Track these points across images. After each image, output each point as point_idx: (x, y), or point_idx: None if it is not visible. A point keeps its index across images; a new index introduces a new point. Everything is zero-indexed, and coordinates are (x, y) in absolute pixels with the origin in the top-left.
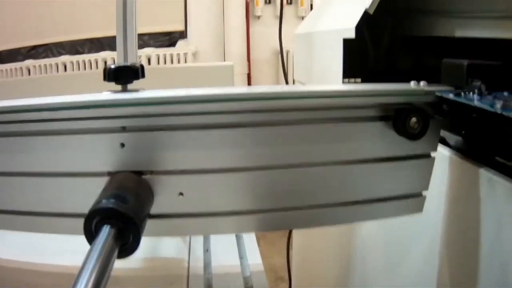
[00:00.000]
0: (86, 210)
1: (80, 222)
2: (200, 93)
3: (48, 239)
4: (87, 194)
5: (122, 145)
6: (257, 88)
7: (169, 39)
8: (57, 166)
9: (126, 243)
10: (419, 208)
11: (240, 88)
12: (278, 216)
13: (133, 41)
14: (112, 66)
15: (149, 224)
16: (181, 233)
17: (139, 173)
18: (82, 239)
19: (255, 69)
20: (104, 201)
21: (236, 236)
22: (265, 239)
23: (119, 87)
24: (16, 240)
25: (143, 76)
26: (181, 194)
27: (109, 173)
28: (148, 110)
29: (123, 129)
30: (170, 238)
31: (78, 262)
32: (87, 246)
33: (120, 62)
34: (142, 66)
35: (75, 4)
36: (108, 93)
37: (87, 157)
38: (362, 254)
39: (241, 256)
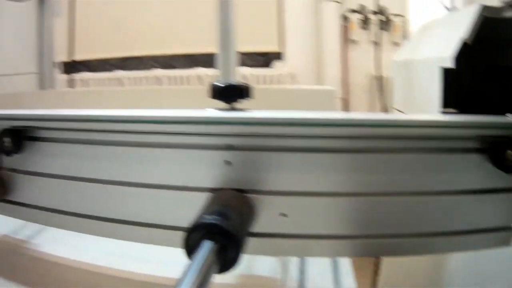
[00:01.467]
0: (184, 223)
1: (177, 235)
2: (309, 116)
3: (130, 246)
4: (187, 208)
5: (227, 162)
6: (361, 115)
7: (265, 59)
8: (159, 178)
9: (225, 259)
10: (507, 241)
11: (344, 114)
12: (373, 242)
13: (233, 60)
14: (221, 84)
15: (249, 241)
16: (279, 253)
17: (242, 191)
18: (162, 249)
19: (350, 94)
20: (207, 216)
21: (331, 260)
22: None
23: (217, 104)
24: (99, 246)
25: (250, 96)
26: (283, 214)
27: (212, 190)
28: (256, 130)
29: (230, 147)
30: (266, 256)
31: (153, 271)
32: (165, 255)
33: (221, 80)
34: (249, 86)
35: (170, 19)
36: (214, 110)
37: (190, 172)
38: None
39: (336, 281)
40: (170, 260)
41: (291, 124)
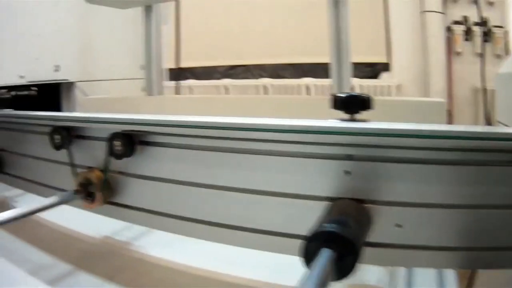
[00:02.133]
0: (302, 231)
1: (294, 242)
2: (428, 128)
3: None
4: (305, 217)
5: (347, 172)
6: (478, 128)
7: (372, 70)
8: (278, 186)
9: (342, 268)
10: None
11: (461, 127)
12: (483, 255)
13: (347, 70)
14: (343, 95)
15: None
16: (390, 263)
17: (360, 201)
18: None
19: (454, 106)
20: (326, 225)
21: (437, 271)
22: None
23: (328, 114)
24: (205, 250)
25: (371, 107)
26: (397, 225)
27: (331, 199)
28: (376, 140)
29: (349, 157)
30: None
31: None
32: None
33: (334, 90)
34: (370, 97)
35: (278, 28)
36: (335, 121)
37: (310, 181)
38: None
39: None
40: (278, 266)
41: (412, 136)
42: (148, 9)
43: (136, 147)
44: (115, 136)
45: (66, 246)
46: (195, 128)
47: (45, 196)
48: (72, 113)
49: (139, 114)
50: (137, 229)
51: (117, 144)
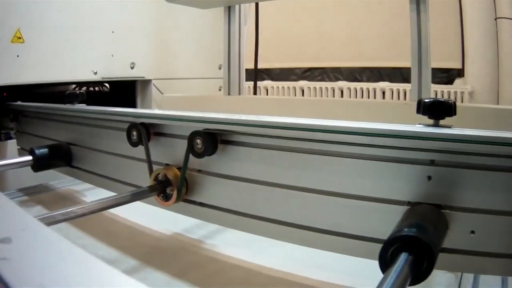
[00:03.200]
0: (380, 235)
1: (372, 246)
2: (505, 135)
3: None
4: (384, 220)
5: (429, 177)
6: None
7: (447, 76)
8: (358, 189)
9: (418, 272)
10: None
11: None
12: None
13: (428, 76)
14: (427, 100)
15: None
16: (462, 270)
17: (439, 206)
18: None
19: None
20: (406, 229)
21: (501, 279)
22: None
23: (408, 119)
24: (277, 251)
25: (455, 113)
26: (472, 232)
27: (410, 203)
28: (460, 147)
29: (432, 162)
30: (442, 271)
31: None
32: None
33: (414, 96)
34: (454, 103)
35: (355, 31)
36: (421, 126)
37: (391, 185)
38: None
39: None
40: (354, 270)
41: (496, 143)
42: (229, 9)
43: (218, 145)
44: (196, 134)
45: (136, 242)
46: (277, 128)
47: (117, 191)
48: (153, 109)
49: (219, 113)
50: (210, 227)
51: (198, 143)
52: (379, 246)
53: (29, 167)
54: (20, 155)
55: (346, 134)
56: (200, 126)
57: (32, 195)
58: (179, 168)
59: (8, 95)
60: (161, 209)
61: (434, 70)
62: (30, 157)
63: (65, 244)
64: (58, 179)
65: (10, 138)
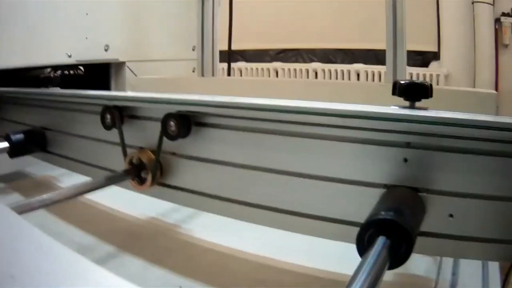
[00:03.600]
0: (356, 218)
1: (349, 229)
2: (487, 119)
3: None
4: (360, 203)
5: (405, 160)
6: None
7: (422, 59)
8: (333, 171)
9: (396, 256)
10: None
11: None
12: None
13: (403, 58)
14: (403, 82)
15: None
16: (439, 253)
17: (415, 189)
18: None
19: (500, 98)
20: (383, 212)
21: (482, 263)
22: None
23: (383, 101)
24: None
25: (431, 95)
26: (450, 215)
27: (387, 186)
28: (436, 129)
29: (408, 144)
30: (421, 255)
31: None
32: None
33: (389, 78)
34: (431, 86)
35: (330, 12)
36: (396, 107)
37: (367, 167)
38: None
39: (484, 285)
40: (331, 253)
41: (472, 126)
42: None
43: (191, 128)
44: (170, 116)
45: (112, 228)
46: (251, 110)
47: (92, 176)
48: (126, 92)
49: (192, 94)
50: (185, 211)
51: (172, 125)
52: (356, 230)
53: (5, 154)
54: None
55: (320, 115)
56: (174, 108)
57: (8, 182)
58: (153, 151)
59: None
60: (137, 194)
61: (410, 53)
62: (6, 143)
63: (36, 234)
64: (33, 165)
65: None
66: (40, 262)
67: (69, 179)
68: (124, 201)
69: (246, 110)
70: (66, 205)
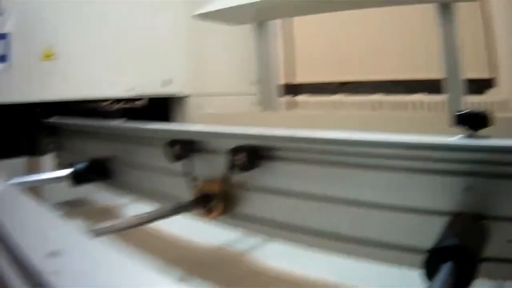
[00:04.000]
0: (422, 245)
1: (414, 256)
2: None
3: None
4: (425, 231)
5: (469, 188)
6: None
7: (477, 86)
8: (399, 200)
9: (460, 282)
10: None
11: None
12: None
13: (461, 87)
14: (463, 112)
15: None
16: (502, 278)
17: (479, 216)
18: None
19: None
20: (449, 239)
21: None
22: None
23: (445, 131)
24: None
25: (491, 123)
26: (509, 241)
27: (451, 213)
28: (498, 157)
29: (471, 173)
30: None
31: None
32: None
33: (448, 107)
34: (490, 114)
35: (391, 43)
36: (458, 137)
37: (431, 196)
38: None
39: None
40: (397, 280)
41: None
42: (261, 25)
43: (258, 160)
44: (238, 149)
45: (179, 255)
46: (316, 143)
47: (158, 205)
48: (194, 126)
49: (258, 128)
50: (251, 240)
51: (240, 158)
52: (421, 257)
53: (67, 181)
54: (58, 169)
55: (387, 148)
56: (241, 142)
57: (71, 209)
58: (220, 183)
59: (44, 111)
60: (203, 223)
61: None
62: (69, 171)
63: (115, 256)
64: (96, 193)
65: (46, 153)
66: (122, 282)
67: (130, 208)
68: (190, 229)
69: (311, 143)
70: (131, 233)
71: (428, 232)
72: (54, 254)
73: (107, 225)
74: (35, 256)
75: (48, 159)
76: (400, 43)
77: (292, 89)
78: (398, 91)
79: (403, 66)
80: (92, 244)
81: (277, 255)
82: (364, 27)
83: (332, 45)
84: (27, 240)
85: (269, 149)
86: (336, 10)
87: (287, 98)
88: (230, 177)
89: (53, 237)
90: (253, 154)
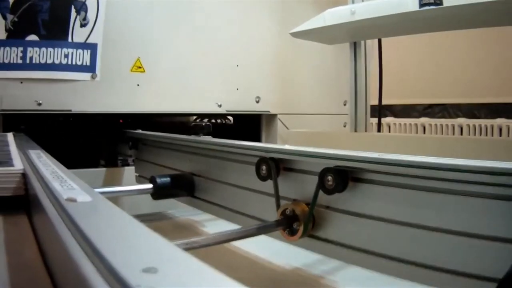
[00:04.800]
0: (491, 273)
1: (484, 285)
2: None
3: None
4: (495, 259)
5: None
6: None
7: None
8: (469, 227)
9: None
10: None
11: None
12: None
13: None
14: None
15: None
16: None
17: None
18: None
19: None
20: None
21: None
22: None
23: None
24: None
25: None
26: None
27: None
28: None
29: None
30: None
31: None
32: None
33: None
34: None
35: (474, 67)
36: None
37: (501, 222)
38: None
39: None
40: None
41: None
42: (355, 45)
43: (348, 183)
44: (327, 170)
45: (256, 275)
46: (409, 167)
47: (240, 224)
48: (283, 145)
49: (347, 150)
50: (332, 264)
51: (329, 179)
52: (493, 285)
53: (146, 195)
54: (137, 182)
55: (471, 173)
56: (332, 163)
57: (149, 222)
58: (307, 204)
59: (125, 123)
60: (281, 244)
61: None
62: (151, 185)
63: (212, 272)
64: (174, 208)
65: (127, 164)
66: None
67: (209, 224)
68: (272, 250)
69: (401, 167)
70: (209, 250)
71: (500, 260)
72: (149, 271)
73: (189, 240)
74: (129, 271)
75: (127, 171)
76: (491, 67)
77: (380, 111)
78: (482, 115)
79: (487, 90)
80: (189, 262)
81: (355, 280)
82: (450, 51)
83: (418, 68)
84: (118, 253)
85: (359, 171)
86: (429, 31)
87: (375, 119)
88: (317, 199)
89: (147, 253)
90: (342, 176)
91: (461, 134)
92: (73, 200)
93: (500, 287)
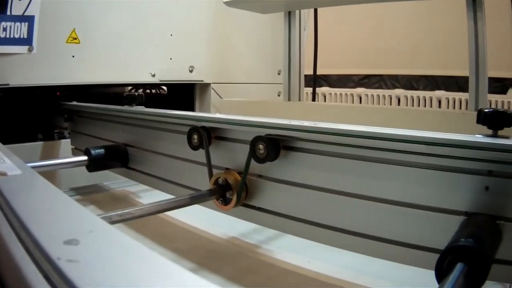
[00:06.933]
0: (436, 245)
1: (428, 255)
2: None
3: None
4: (440, 230)
5: (486, 188)
6: None
7: (501, 86)
8: (415, 198)
9: (471, 283)
10: None
11: None
12: None
13: (485, 85)
14: (487, 110)
15: None
16: (508, 280)
17: (494, 217)
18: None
19: None
20: (463, 239)
21: None
22: None
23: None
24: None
25: None
26: None
27: (467, 213)
28: None
29: (489, 173)
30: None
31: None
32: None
33: (470, 105)
34: None
35: (412, 39)
36: (479, 136)
37: (448, 194)
38: None
39: None
40: (408, 279)
41: None
42: (289, 14)
43: (280, 151)
44: (259, 139)
45: (192, 245)
46: (339, 136)
47: (174, 194)
48: (215, 114)
49: (281, 119)
50: (267, 233)
51: (261, 148)
52: (435, 256)
53: (83, 167)
54: (74, 154)
55: (406, 142)
56: (263, 132)
57: (85, 194)
58: (239, 173)
59: (62, 95)
60: (217, 213)
61: (489, 80)
62: (85, 157)
63: (134, 244)
64: (111, 180)
65: (63, 137)
66: (142, 272)
67: (145, 195)
68: (206, 220)
69: (333, 135)
70: (145, 221)
71: (444, 232)
72: (70, 242)
73: (123, 212)
74: (51, 243)
75: (64, 144)
76: (430, 39)
77: (315, 81)
78: (420, 86)
79: (426, 62)
80: (112, 232)
81: (290, 249)
82: (389, 22)
83: (356, 38)
84: (43, 226)
85: (290, 140)
86: (366, 2)
87: (310, 89)
88: (249, 168)
89: (69, 224)
90: (273, 145)
91: (399, 105)
92: (3, 174)
93: (441, 258)
